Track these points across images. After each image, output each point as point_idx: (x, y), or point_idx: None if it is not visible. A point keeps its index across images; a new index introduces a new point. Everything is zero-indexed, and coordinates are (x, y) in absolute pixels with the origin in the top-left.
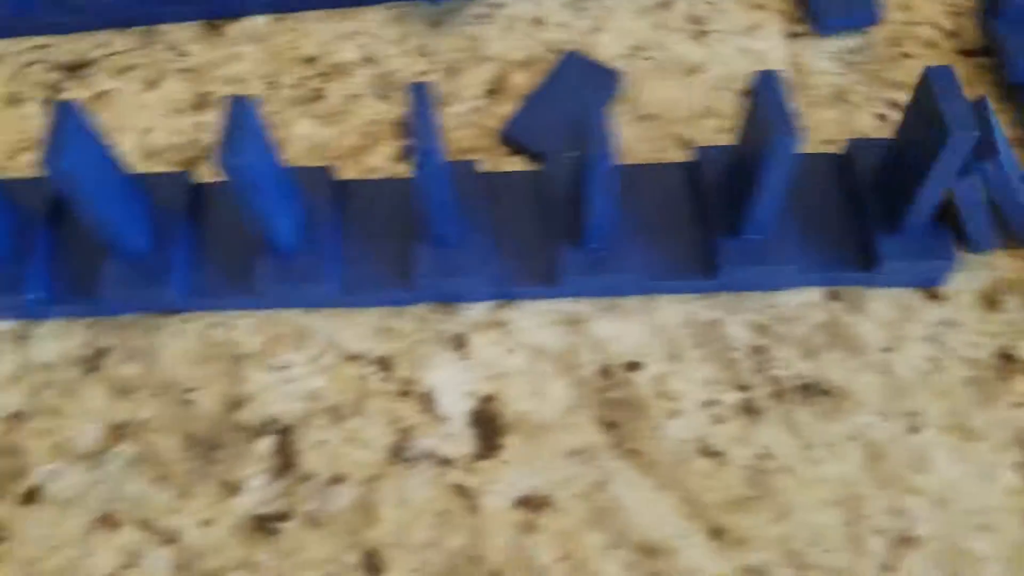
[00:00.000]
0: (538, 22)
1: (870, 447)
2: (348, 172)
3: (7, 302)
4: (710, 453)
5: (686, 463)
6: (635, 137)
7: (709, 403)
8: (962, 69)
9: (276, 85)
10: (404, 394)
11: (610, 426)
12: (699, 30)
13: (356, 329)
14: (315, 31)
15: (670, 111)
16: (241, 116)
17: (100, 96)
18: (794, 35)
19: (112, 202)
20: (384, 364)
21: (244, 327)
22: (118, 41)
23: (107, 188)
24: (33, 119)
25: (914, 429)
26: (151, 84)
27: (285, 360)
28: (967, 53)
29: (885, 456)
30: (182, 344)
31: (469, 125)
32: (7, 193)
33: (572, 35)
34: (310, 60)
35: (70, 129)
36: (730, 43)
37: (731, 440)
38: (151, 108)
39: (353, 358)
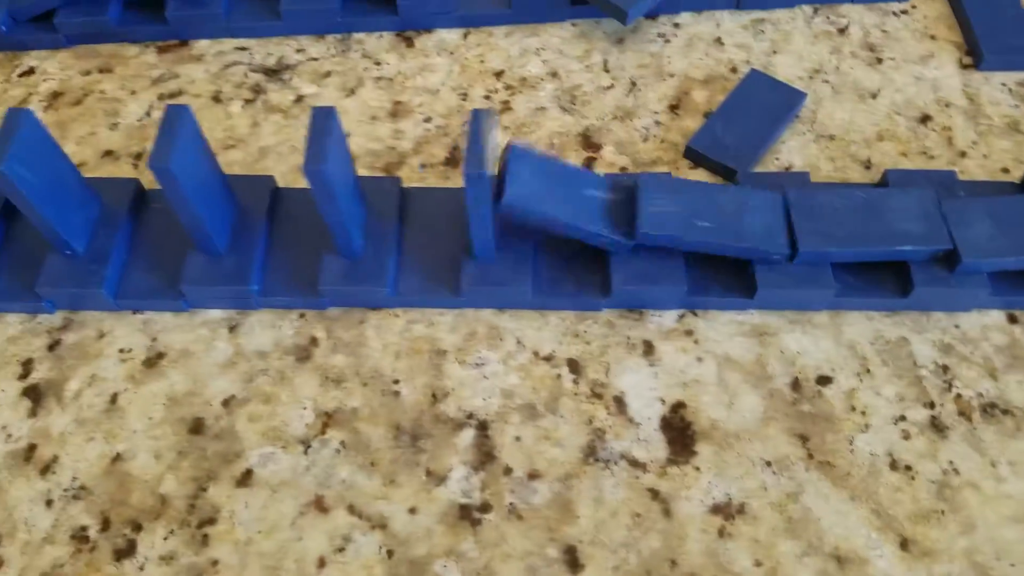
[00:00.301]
0: (718, 42)
1: None
2: None
3: (232, 292)
4: (899, 467)
5: (876, 476)
6: (817, 156)
7: (898, 419)
8: None
9: (467, 97)
10: (596, 396)
11: (802, 438)
12: (874, 57)
13: (547, 331)
14: (502, 46)
15: (849, 133)
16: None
17: (300, 100)
18: (967, 66)
19: (346, 203)
20: (574, 366)
21: (443, 324)
22: (315, 47)
23: (346, 191)
24: (237, 117)
25: None
26: (349, 91)
27: (481, 357)
28: None
29: None
30: (388, 338)
31: (652, 138)
32: (230, 189)
33: (751, 55)
34: (498, 73)
35: None
36: (905, 71)
37: (919, 455)
38: (350, 114)
39: (545, 358)
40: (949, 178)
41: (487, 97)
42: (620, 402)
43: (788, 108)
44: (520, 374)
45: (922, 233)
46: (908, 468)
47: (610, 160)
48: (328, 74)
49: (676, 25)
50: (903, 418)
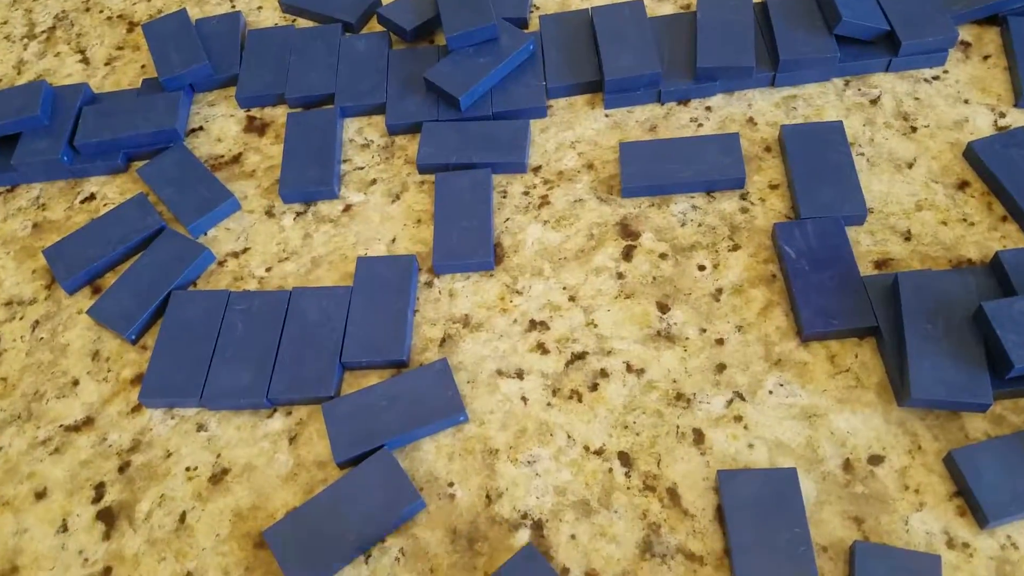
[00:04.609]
0: (750, 122)
1: None
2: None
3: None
4: (956, 545)
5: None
6: (856, 230)
7: (952, 495)
8: None
9: (507, 194)
10: (649, 489)
11: (857, 520)
12: (908, 126)
13: (596, 424)
14: (538, 141)
15: (887, 205)
16: None
17: (348, 209)
18: (1003, 127)
19: None
20: (625, 459)
21: (492, 423)
22: (359, 157)
23: None
24: (290, 230)
25: None
26: (395, 196)
27: (532, 455)
28: None
29: None
30: (441, 440)
31: (690, 223)
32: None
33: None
34: (535, 169)
35: None
36: (940, 137)
37: (975, 532)
38: (396, 219)
39: (596, 452)
40: None
41: (526, 193)
42: (674, 494)
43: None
44: (572, 470)
45: None
46: (966, 546)
47: (649, 247)
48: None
49: (708, 108)
50: (957, 494)
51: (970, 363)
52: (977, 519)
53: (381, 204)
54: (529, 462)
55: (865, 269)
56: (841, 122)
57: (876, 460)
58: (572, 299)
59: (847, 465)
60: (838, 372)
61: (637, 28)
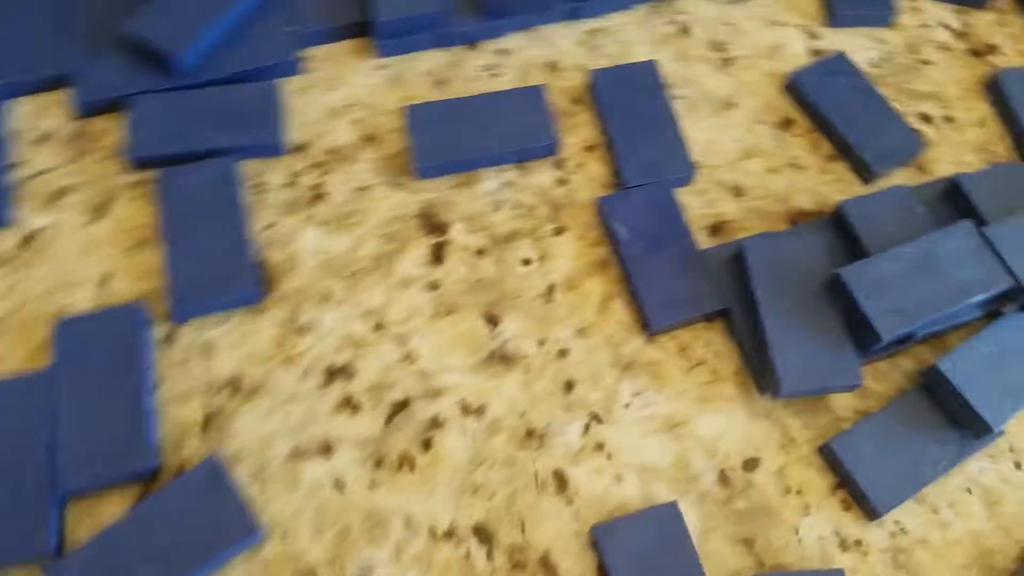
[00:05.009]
0: (554, 67)
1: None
2: None
3: None
4: (849, 545)
5: (830, 562)
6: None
7: (834, 488)
8: None
9: (264, 189)
10: (518, 567)
11: (746, 543)
12: (722, 58)
13: (437, 496)
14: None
15: (710, 156)
16: None
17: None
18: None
19: None
20: (483, 534)
21: (301, 531)
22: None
23: None
24: None
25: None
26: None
27: (364, 561)
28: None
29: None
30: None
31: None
32: None
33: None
34: (298, 149)
35: None
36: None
37: (864, 526)
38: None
39: (446, 535)
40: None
41: (290, 184)
42: (547, 564)
43: None
44: (419, 568)
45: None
46: (859, 543)
47: (463, 243)
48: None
49: (503, 52)
50: (839, 485)
51: (834, 342)
52: (865, 511)
53: (79, 225)
54: (363, 573)
55: (700, 237)
56: (654, 62)
57: (751, 465)
58: (378, 327)
59: (723, 478)
60: (692, 366)
61: None
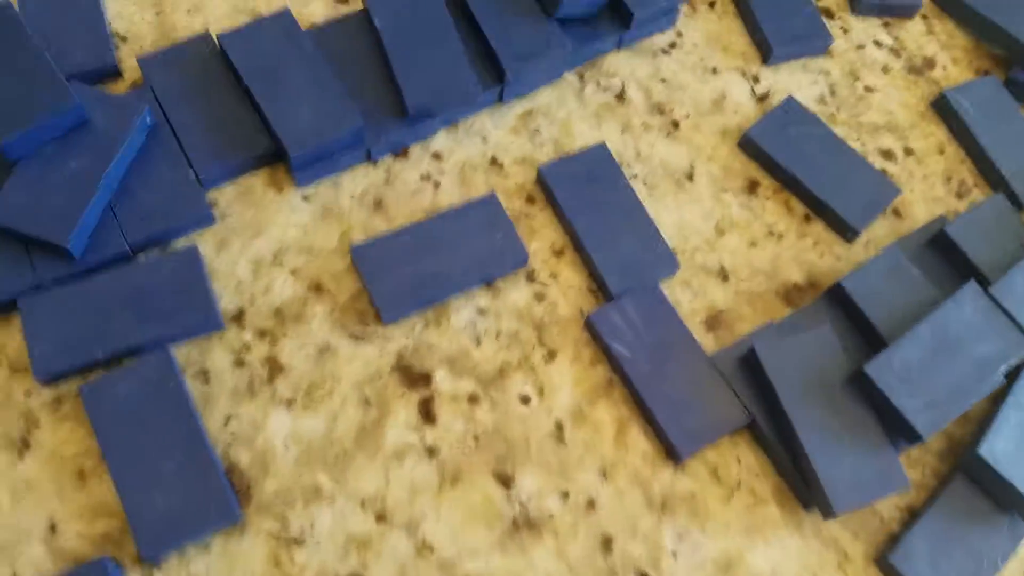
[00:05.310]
0: (495, 164)
1: None
2: None
3: None
4: None
5: None
6: (670, 285)
7: None
8: None
9: (210, 378)
10: None
11: None
12: (668, 121)
13: None
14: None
15: (688, 238)
16: None
17: None
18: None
19: None
20: None
21: None
22: None
23: None
24: None
25: None
26: None
27: None
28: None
29: None
30: None
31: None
32: None
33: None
34: (236, 319)
35: None
36: (705, 128)
37: None
38: None
39: None
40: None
41: (239, 364)
42: None
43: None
44: None
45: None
46: None
47: (451, 392)
48: None
49: (436, 156)
50: None
51: (873, 444)
52: None
53: (2, 468)
54: None
55: (698, 336)
56: (603, 144)
57: None
58: (381, 518)
59: None
60: (731, 492)
61: (304, 61)
